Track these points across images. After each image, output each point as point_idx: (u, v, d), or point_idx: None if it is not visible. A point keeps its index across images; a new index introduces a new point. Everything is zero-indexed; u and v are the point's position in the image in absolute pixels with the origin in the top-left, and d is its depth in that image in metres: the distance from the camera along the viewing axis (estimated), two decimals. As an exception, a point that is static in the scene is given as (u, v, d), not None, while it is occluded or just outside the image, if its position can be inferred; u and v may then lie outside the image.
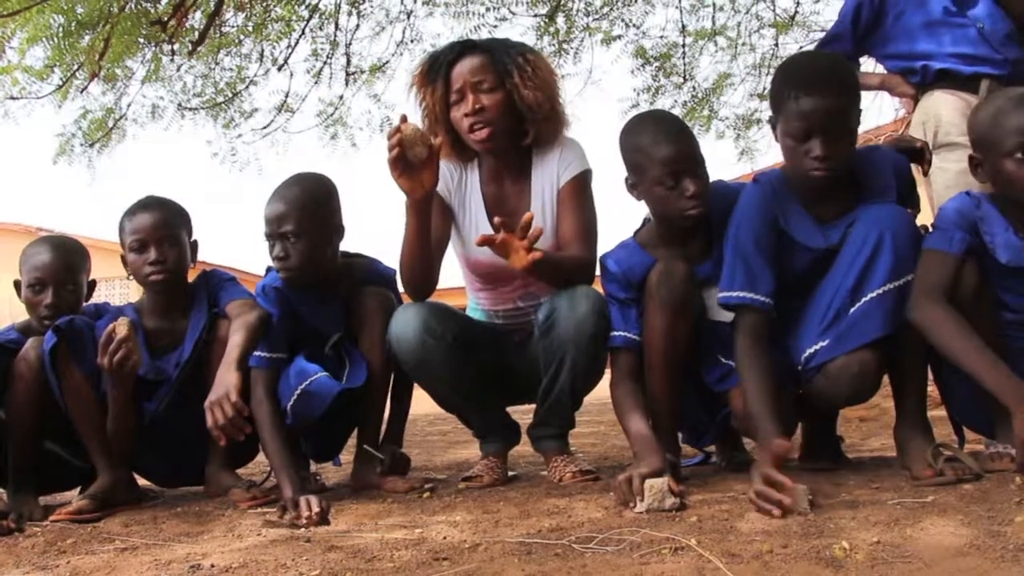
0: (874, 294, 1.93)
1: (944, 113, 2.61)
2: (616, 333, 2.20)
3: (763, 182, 2.16)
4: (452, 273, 2.61)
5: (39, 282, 2.49)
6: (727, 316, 2.11)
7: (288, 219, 2.37)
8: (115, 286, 17.82)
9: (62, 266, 2.52)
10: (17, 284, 2.55)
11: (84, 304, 2.59)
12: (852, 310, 1.96)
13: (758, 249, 2.06)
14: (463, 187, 2.52)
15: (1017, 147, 1.89)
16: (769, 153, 7.23)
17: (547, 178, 2.46)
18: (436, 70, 2.42)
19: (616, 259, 2.24)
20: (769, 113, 2.12)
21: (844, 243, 2.02)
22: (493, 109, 2.37)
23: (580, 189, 2.44)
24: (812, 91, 1.93)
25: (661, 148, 2.11)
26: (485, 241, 2.07)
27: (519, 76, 2.37)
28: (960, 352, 1.87)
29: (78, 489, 2.60)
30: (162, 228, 2.45)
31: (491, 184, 2.51)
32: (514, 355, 2.47)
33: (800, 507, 1.64)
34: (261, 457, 2.80)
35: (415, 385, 2.50)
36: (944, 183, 2.52)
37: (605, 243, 2.41)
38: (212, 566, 1.57)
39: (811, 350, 2.02)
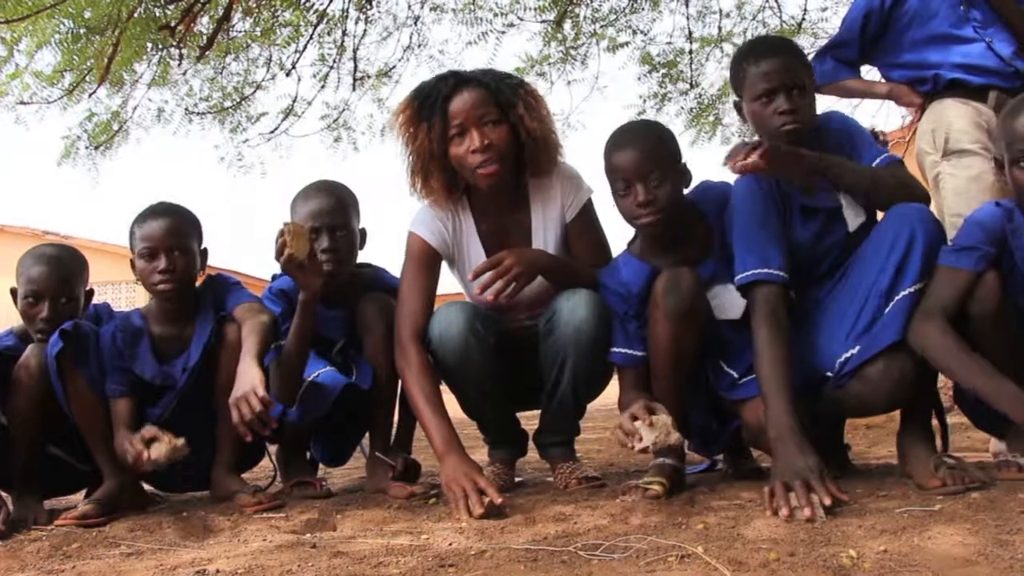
0: (905, 292, 1.92)
1: (955, 120, 2.62)
2: (616, 350, 2.20)
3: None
4: (451, 281, 2.59)
5: (34, 295, 2.44)
6: (734, 313, 2.12)
7: (336, 212, 2.47)
8: (121, 290, 17.88)
9: (58, 280, 2.46)
10: (14, 291, 2.50)
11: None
12: (887, 310, 1.94)
13: (762, 227, 2.07)
14: (457, 233, 2.43)
15: (1021, 154, 1.88)
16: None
17: (549, 210, 2.41)
18: (431, 106, 2.29)
19: (613, 274, 2.25)
20: (734, 101, 2.22)
21: (870, 240, 2.03)
22: (500, 144, 2.26)
23: (589, 216, 2.44)
24: (767, 54, 2.14)
25: (613, 156, 2.16)
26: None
27: (524, 107, 2.30)
28: (963, 373, 1.84)
29: (83, 493, 2.60)
30: (173, 236, 2.42)
31: (486, 221, 2.43)
32: (526, 362, 2.45)
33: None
34: (265, 461, 2.82)
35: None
36: (954, 189, 2.53)
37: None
38: (217, 571, 1.57)
39: (845, 355, 1.98)
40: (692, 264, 2.15)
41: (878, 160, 2.10)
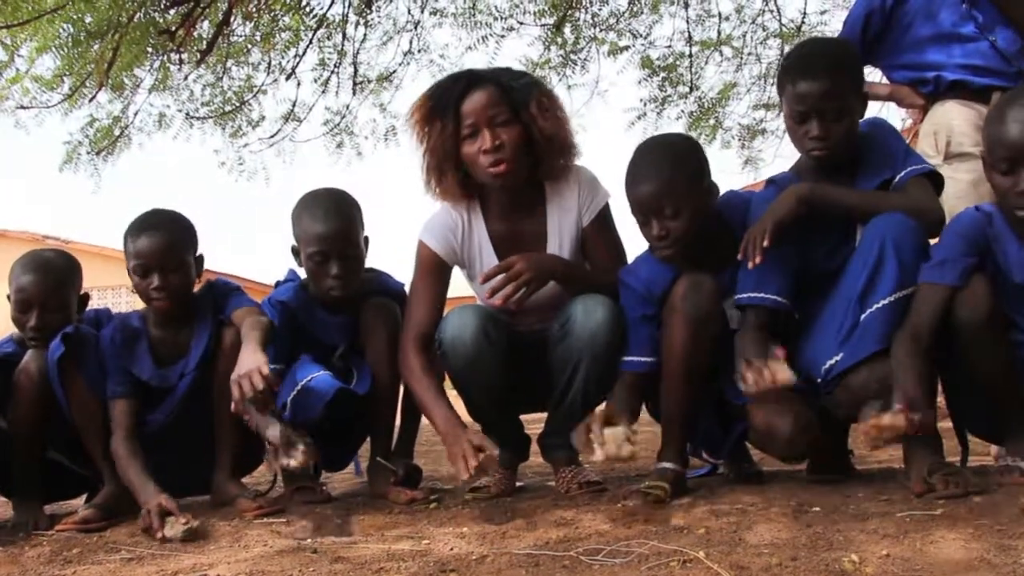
0: (878, 305, 1.92)
1: (956, 123, 2.62)
2: (626, 358, 2.20)
3: (777, 182, 2.19)
4: (461, 283, 2.59)
5: (23, 303, 2.42)
6: None
7: (344, 235, 2.38)
8: (121, 294, 17.87)
9: (47, 288, 2.43)
10: (9, 297, 2.49)
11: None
12: (862, 318, 1.95)
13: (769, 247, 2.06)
14: (468, 237, 2.41)
15: (1001, 160, 1.87)
16: (773, 164, 7.23)
17: (565, 214, 2.40)
18: (444, 105, 2.29)
19: (636, 273, 2.24)
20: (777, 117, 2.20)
21: (856, 250, 2.03)
22: (512, 144, 2.26)
23: (606, 221, 2.43)
24: (806, 76, 2.07)
25: (629, 188, 2.14)
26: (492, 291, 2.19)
27: (537, 107, 2.30)
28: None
29: (84, 498, 2.60)
30: (165, 253, 2.38)
31: (499, 222, 2.42)
32: (533, 366, 2.44)
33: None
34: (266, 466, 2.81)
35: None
36: (955, 193, 2.52)
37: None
38: (218, 576, 1.57)
39: (830, 362, 1.99)
40: (713, 271, 2.15)
41: (904, 173, 2.09)
